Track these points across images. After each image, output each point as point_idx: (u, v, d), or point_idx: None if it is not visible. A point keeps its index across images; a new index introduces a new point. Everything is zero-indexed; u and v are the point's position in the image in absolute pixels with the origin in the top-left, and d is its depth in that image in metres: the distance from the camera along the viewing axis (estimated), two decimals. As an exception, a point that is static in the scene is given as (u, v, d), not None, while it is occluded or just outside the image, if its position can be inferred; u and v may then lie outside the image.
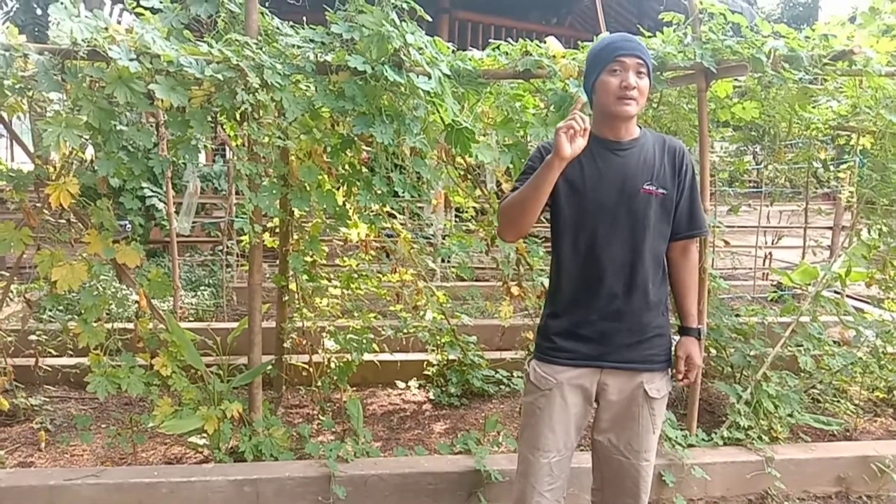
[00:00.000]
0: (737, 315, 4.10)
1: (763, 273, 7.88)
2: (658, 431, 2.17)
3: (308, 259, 3.66)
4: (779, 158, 5.82)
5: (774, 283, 7.31)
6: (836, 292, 4.48)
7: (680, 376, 2.19)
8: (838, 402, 3.94)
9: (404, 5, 2.81)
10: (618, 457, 2.16)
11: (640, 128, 2.13)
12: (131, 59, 2.54)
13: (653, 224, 2.05)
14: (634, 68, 1.97)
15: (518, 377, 4.07)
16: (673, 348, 2.21)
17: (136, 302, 3.19)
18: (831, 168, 5.96)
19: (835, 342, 4.06)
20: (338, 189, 3.32)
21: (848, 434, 3.72)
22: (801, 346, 3.77)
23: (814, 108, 3.89)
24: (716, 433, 3.31)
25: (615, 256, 2.05)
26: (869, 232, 3.94)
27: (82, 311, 3.02)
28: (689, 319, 2.22)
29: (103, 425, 3.71)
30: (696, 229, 2.14)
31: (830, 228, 7.51)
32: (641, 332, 2.09)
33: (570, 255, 2.11)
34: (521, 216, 2.04)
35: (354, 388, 4.10)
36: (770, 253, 7.87)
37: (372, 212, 3.27)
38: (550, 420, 2.12)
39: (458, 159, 3.42)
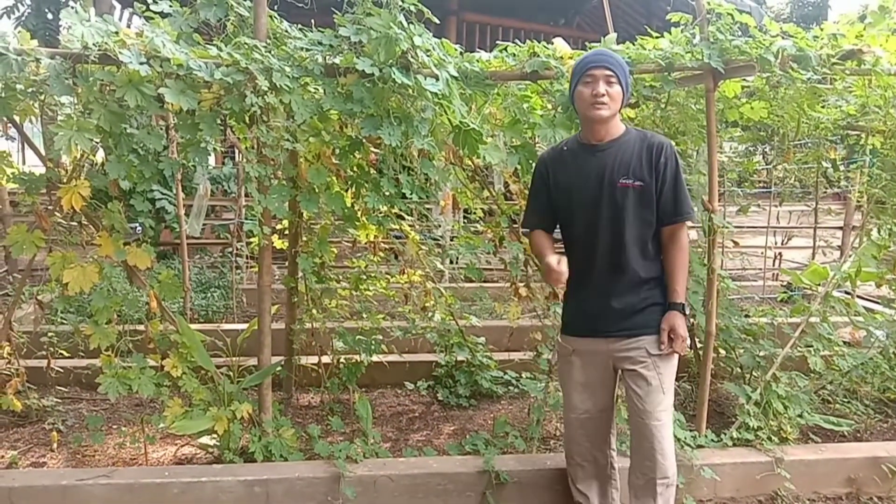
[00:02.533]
0: (746, 316, 4.09)
1: (773, 273, 7.85)
2: (669, 393, 2.43)
3: (317, 260, 3.67)
4: (788, 158, 5.79)
5: (784, 283, 7.28)
6: (846, 292, 4.47)
7: (663, 346, 2.43)
8: (848, 402, 3.92)
9: (412, 8, 2.82)
10: (636, 419, 2.45)
11: (626, 128, 2.49)
12: (141, 63, 2.56)
13: (632, 212, 2.38)
14: (604, 78, 2.33)
15: (528, 378, 4.07)
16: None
17: (147, 303, 3.21)
18: (841, 168, 5.94)
19: (845, 343, 4.04)
20: (346, 191, 3.34)
21: (858, 435, 3.70)
22: (811, 346, 3.75)
23: (823, 107, 3.88)
24: (725, 434, 3.30)
25: (602, 242, 2.41)
26: (879, 232, 3.92)
27: (94, 313, 3.04)
28: (674, 295, 2.47)
29: (114, 426, 3.73)
30: (679, 215, 2.42)
31: (840, 228, 7.47)
32: (635, 305, 2.43)
33: (570, 244, 2.55)
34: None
35: (363, 389, 4.11)
36: (780, 253, 7.84)
37: (380, 213, 3.28)
38: (573, 381, 2.57)
39: (466, 161, 3.43)
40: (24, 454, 3.38)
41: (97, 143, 2.78)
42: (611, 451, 2.65)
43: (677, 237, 2.46)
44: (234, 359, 3.62)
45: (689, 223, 2.54)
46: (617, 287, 2.43)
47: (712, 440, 3.28)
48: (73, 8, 2.56)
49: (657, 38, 3.25)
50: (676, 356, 2.49)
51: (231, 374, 3.41)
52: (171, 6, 2.98)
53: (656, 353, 2.41)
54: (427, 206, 4.95)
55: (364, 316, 4.10)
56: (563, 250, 2.56)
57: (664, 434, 2.42)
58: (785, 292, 6.85)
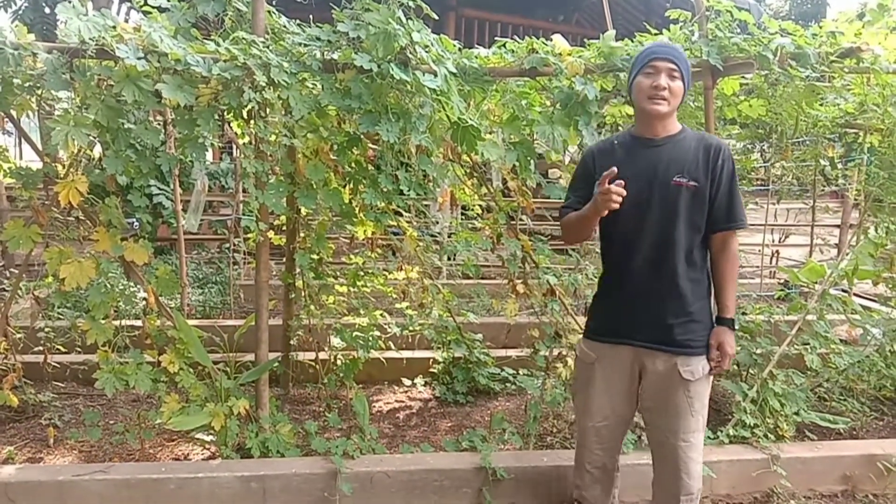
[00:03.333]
0: (743, 313, 4.09)
1: (770, 271, 7.86)
2: (699, 415, 2.28)
3: (314, 257, 3.67)
4: (786, 156, 5.79)
5: (781, 281, 7.29)
6: (843, 290, 4.47)
7: (713, 364, 2.29)
8: (845, 400, 3.93)
9: (410, 3, 2.82)
10: (659, 436, 2.33)
11: (683, 127, 2.32)
12: (139, 58, 2.55)
13: (683, 214, 2.21)
14: (667, 72, 2.18)
15: (525, 375, 4.07)
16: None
17: (144, 299, 3.21)
18: (839, 166, 5.94)
19: (841, 340, 4.05)
20: (344, 187, 3.33)
21: (854, 432, 3.71)
22: (808, 344, 3.76)
23: (821, 105, 3.88)
24: (722, 431, 3.31)
25: (647, 244, 2.24)
26: (876, 230, 3.93)
27: (90, 308, 3.04)
28: (725, 310, 2.32)
29: (111, 421, 3.73)
30: (733, 222, 2.26)
31: (838, 226, 7.48)
32: (674, 316, 2.25)
33: (609, 242, 2.37)
34: (579, 238, 2.40)
35: (360, 386, 4.11)
36: (777, 251, 7.85)
37: (378, 209, 3.27)
38: (593, 390, 2.39)
39: (464, 157, 3.43)
40: (20, 449, 3.37)
41: (94, 138, 2.77)
42: (618, 455, 2.54)
43: (728, 246, 2.30)
44: (231, 355, 3.62)
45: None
46: (656, 293, 2.25)
47: (709, 437, 3.29)
48: (70, 2, 2.55)
49: (656, 34, 3.25)
50: (710, 383, 2.34)
51: (228, 369, 3.41)
52: (168, 1, 2.97)
53: (687, 377, 2.23)
54: (425, 202, 4.95)
55: (361, 312, 4.10)
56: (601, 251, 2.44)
57: (691, 455, 2.28)
58: (782, 290, 6.86)
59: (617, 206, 2.08)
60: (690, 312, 2.26)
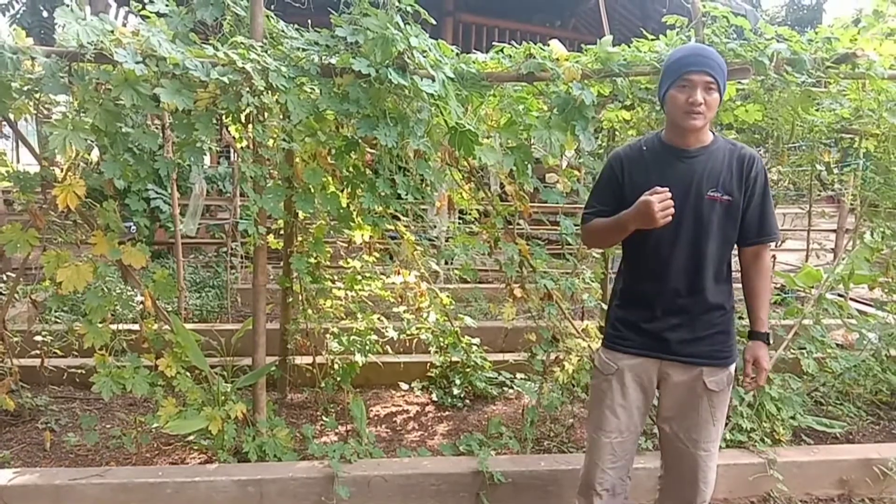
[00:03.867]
0: (740, 318, 4.10)
1: (767, 276, 7.85)
2: (719, 425, 2.26)
3: (312, 261, 3.67)
4: (782, 161, 5.80)
5: (778, 285, 7.29)
6: (839, 295, 4.48)
7: (748, 380, 2.27)
8: (841, 404, 3.94)
9: (408, 8, 2.83)
10: (678, 445, 2.29)
11: (714, 135, 2.23)
12: (137, 62, 2.55)
13: (716, 228, 2.17)
14: (703, 85, 2.08)
15: (522, 379, 4.07)
16: (741, 351, 2.32)
17: (142, 303, 3.21)
18: (835, 171, 5.96)
19: (838, 345, 4.06)
20: (342, 191, 3.34)
21: (850, 437, 3.72)
22: (805, 348, 3.77)
23: (817, 111, 3.89)
24: (718, 435, 3.31)
25: (680, 257, 2.19)
26: (872, 235, 3.94)
27: (88, 312, 3.04)
28: (759, 324, 2.30)
29: (108, 425, 3.73)
30: (766, 235, 2.23)
31: (834, 231, 7.51)
32: (703, 329, 2.22)
33: (639, 254, 2.27)
34: (607, 242, 2.40)
35: (358, 390, 4.11)
36: (773, 255, 7.85)
37: (376, 213, 3.28)
38: (612, 403, 2.30)
39: (462, 161, 3.43)
40: (16, 454, 3.37)
41: (92, 142, 2.77)
42: (628, 476, 2.42)
43: (761, 258, 2.29)
44: (228, 358, 3.62)
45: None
46: (688, 307, 2.21)
47: (706, 441, 3.29)
48: (68, 6, 2.55)
49: (653, 40, 3.26)
50: (731, 391, 2.32)
51: (225, 373, 3.42)
52: (167, 5, 2.98)
53: (713, 388, 2.21)
54: (423, 206, 4.95)
55: (359, 316, 4.10)
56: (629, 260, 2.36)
57: (710, 464, 2.27)
58: (778, 294, 6.87)
59: (668, 220, 2.03)
60: (719, 324, 2.23)
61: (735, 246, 2.29)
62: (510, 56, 3.15)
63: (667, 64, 2.18)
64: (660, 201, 2.00)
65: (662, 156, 2.20)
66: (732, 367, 2.28)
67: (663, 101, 2.19)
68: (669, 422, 2.30)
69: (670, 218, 2.02)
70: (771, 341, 2.33)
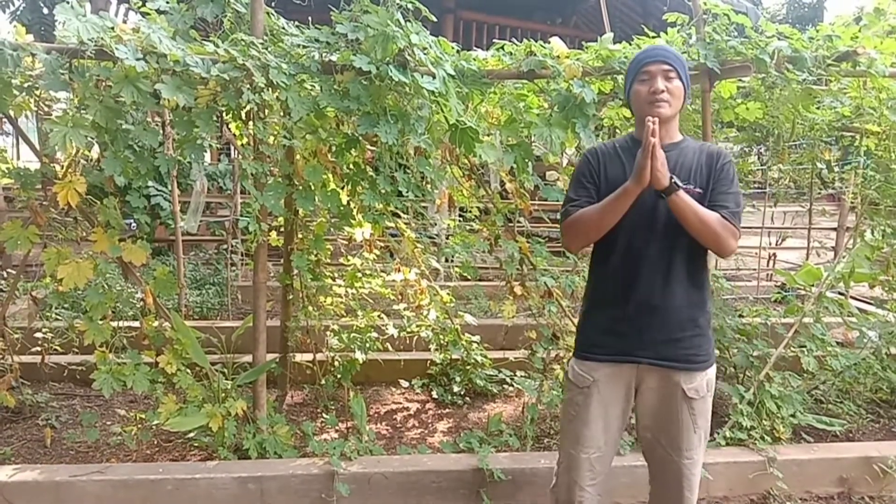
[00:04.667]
0: (740, 316, 4.10)
1: (767, 274, 7.87)
2: (701, 431, 2.19)
3: (312, 258, 3.67)
4: (783, 159, 5.81)
5: (778, 283, 7.30)
6: (839, 293, 4.48)
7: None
8: (841, 402, 3.94)
9: (409, 5, 2.83)
10: (661, 453, 2.22)
11: (685, 136, 2.25)
12: (138, 59, 2.55)
13: None
14: (662, 74, 2.11)
15: (522, 376, 4.08)
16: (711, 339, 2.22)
17: (142, 300, 3.21)
18: (835, 169, 5.96)
19: (838, 343, 4.05)
20: (342, 188, 3.34)
21: (850, 435, 3.72)
22: (805, 346, 3.76)
23: (818, 108, 3.90)
24: (718, 433, 3.31)
25: (653, 253, 2.13)
26: (872, 233, 3.94)
27: (88, 309, 3.04)
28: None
29: (109, 422, 3.73)
30: (730, 216, 2.09)
31: (834, 229, 7.50)
32: (680, 330, 2.14)
33: (610, 251, 2.19)
34: (596, 233, 2.16)
35: (358, 387, 4.11)
36: (774, 254, 7.86)
37: (376, 211, 3.28)
38: (589, 417, 2.20)
39: (462, 159, 3.44)
40: (17, 450, 3.37)
41: (93, 139, 2.77)
42: (604, 492, 2.31)
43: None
44: (228, 355, 3.62)
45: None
46: (665, 305, 2.13)
47: (705, 439, 3.30)
48: (68, 3, 2.55)
49: (654, 37, 3.26)
50: (712, 397, 2.23)
51: (226, 370, 3.42)
52: (167, 2, 2.97)
53: (692, 396, 2.14)
54: (423, 204, 4.96)
55: (359, 313, 4.11)
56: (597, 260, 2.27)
57: (694, 471, 2.19)
58: (779, 293, 6.88)
59: (667, 176, 1.96)
60: (698, 325, 2.17)
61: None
62: (511, 53, 3.15)
63: (628, 68, 2.24)
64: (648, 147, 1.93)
65: (635, 152, 2.10)
66: (712, 373, 2.21)
67: (630, 102, 2.22)
68: (650, 430, 2.24)
69: (667, 175, 1.96)
70: (679, 185, 2.04)
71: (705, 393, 2.18)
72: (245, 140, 3.24)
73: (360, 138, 3.07)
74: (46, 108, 3.24)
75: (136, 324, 3.32)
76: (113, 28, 2.63)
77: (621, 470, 2.69)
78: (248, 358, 3.41)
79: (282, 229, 3.81)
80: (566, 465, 2.26)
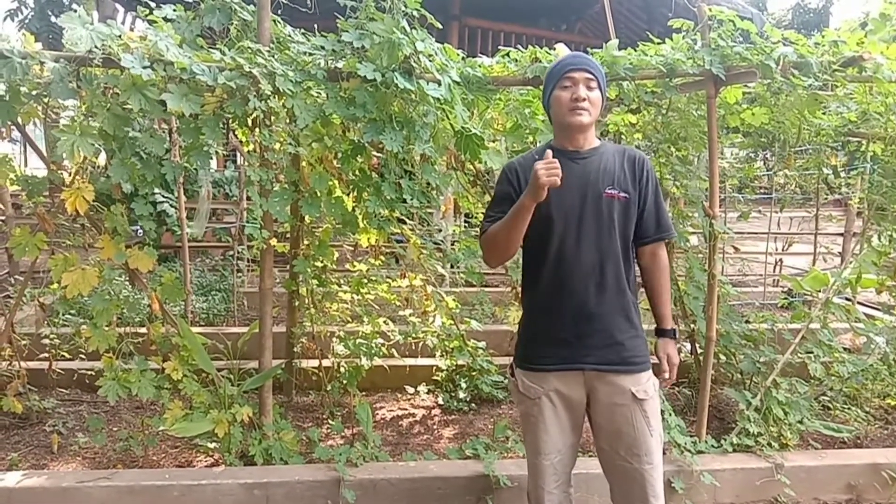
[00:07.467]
0: (746, 321, 4.09)
1: (773, 279, 7.84)
2: (657, 434, 2.20)
3: (318, 264, 3.68)
4: (789, 164, 5.80)
5: (784, 289, 7.28)
6: (846, 299, 4.47)
7: (665, 376, 2.27)
8: (849, 409, 3.92)
9: (414, 13, 2.84)
10: (621, 462, 2.20)
11: (600, 139, 2.30)
12: (145, 67, 2.57)
13: (617, 226, 2.17)
14: (584, 82, 2.13)
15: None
16: (652, 348, 2.31)
17: (149, 306, 3.22)
18: (842, 174, 5.94)
19: (845, 349, 4.04)
20: (348, 195, 3.35)
21: (858, 441, 3.70)
22: (812, 352, 3.75)
23: (824, 114, 3.89)
24: (725, 440, 3.30)
25: (584, 259, 2.15)
26: (880, 238, 3.92)
27: (94, 315, 3.05)
28: (665, 321, 2.31)
29: (115, 428, 3.74)
30: (663, 232, 2.25)
31: (841, 235, 7.47)
32: (619, 333, 2.17)
33: (541, 262, 2.21)
34: (506, 249, 2.20)
35: (364, 393, 4.11)
36: (780, 259, 7.83)
37: (381, 217, 3.28)
38: (545, 425, 2.22)
39: (468, 165, 3.44)
40: (24, 456, 3.38)
41: (100, 147, 2.79)
42: (570, 489, 2.35)
43: (659, 257, 2.28)
44: (234, 362, 3.63)
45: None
46: (601, 310, 2.16)
47: (712, 446, 3.29)
48: (74, 11, 2.57)
49: (659, 43, 3.26)
50: (658, 399, 2.26)
51: (232, 376, 3.42)
52: (174, 11, 2.99)
53: (641, 397, 2.16)
54: (428, 210, 4.96)
55: (365, 319, 4.11)
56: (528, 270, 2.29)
57: (655, 476, 2.18)
58: (785, 298, 6.85)
59: (559, 180, 1.97)
60: (633, 327, 2.20)
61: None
62: (516, 60, 3.16)
63: (548, 73, 2.25)
64: (545, 164, 1.97)
65: (556, 159, 2.10)
66: (651, 374, 2.23)
67: (549, 107, 2.23)
68: (606, 440, 2.23)
69: (558, 180, 1.97)
70: (676, 336, 2.33)
71: (653, 393, 2.21)
72: (251, 147, 3.26)
73: (366, 145, 3.09)
74: (54, 116, 3.26)
75: (143, 330, 3.33)
76: (120, 36, 2.65)
77: (596, 476, 2.66)
78: (253, 364, 3.42)
79: (288, 236, 3.82)
80: (532, 473, 2.31)
